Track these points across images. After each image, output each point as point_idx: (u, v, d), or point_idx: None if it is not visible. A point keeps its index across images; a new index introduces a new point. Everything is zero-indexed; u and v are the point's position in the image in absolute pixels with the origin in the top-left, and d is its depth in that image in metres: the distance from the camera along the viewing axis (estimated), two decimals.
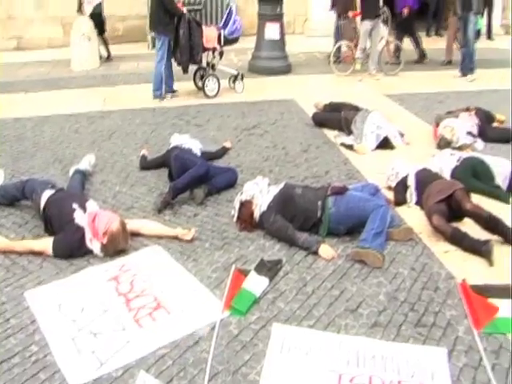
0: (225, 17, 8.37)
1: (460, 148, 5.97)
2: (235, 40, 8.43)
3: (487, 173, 5.13)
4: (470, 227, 4.23)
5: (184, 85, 8.49)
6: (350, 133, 6.28)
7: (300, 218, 4.18)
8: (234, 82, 8.56)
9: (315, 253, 3.93)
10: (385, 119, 6.39)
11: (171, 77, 8.21)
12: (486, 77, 9.98)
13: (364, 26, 9.44)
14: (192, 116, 7.23)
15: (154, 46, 11.71)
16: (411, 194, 4.78)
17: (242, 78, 8.54)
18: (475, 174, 5.10)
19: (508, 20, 15.68)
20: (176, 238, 4.13)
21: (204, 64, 8.30)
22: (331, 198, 4.19)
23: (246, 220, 4.29)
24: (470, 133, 6.26)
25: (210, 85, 8.18)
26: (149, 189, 5.05)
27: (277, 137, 6.46)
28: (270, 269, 3.75)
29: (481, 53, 12.27)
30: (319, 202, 4.17)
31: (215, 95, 8.19)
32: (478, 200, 4.58)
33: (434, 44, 11.37)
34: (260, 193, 4.34)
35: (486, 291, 3.55)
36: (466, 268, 3.85)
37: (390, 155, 5.80)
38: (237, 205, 4.36)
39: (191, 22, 7.82)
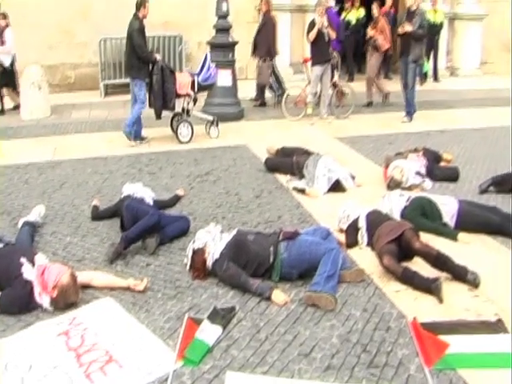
0: (201, 63, 8.52)
1: (409, 188, 6.15)
2: (209, 86, 8.64)
3: (435, 211, 5.27)
4: (420, 266, 4.32)
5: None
6: (302, 177, 6.37)
7: (253, 265, 4.20)
8: (210, 127, 8.64)
9: (268, 299, 3.94)
10: (336, 162, 6.51)
11: (140, 123, 8.28)
12: (434, 118, 10.35)
13: (315, 71, 9.68)
14: (145, 164, 7.22)
15: (106, 94, 11.85)
16: (362, 236, 4.86)
17: (217, 124, 8.63)
18: (424, 213, 5.24)
19: (453, 62, 16.37)
20: (128, 288, 4.08)
21: (180, 110, 8.41)
22: (283, 243, 4.24)
23: (199, 268, 4.28)
24: (418, 173, 6.44)
25: (184, 131, 8.29)
26: (100, 239, 4.99)
27: (230, 183, 6.50)
28: (223, 317, 3.73)
29: (428, 94, 12.83)
30: (271, 248, 4.21)
31: (189, 141, 8.27)
32: (427, 238, 4.69)
33: None
34: (212, 240, 4.35)
35: (436, 328, 3.63)
36: (416, 306, 3.92)
37: (341, 198, 5.88)
38: (189, 253, 4.35)
39: (164, 69, 7.98)
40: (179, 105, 8.37)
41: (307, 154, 6.69)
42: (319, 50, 9.63)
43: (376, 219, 4.88)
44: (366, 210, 5.05)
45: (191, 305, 3.93)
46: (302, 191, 6.11)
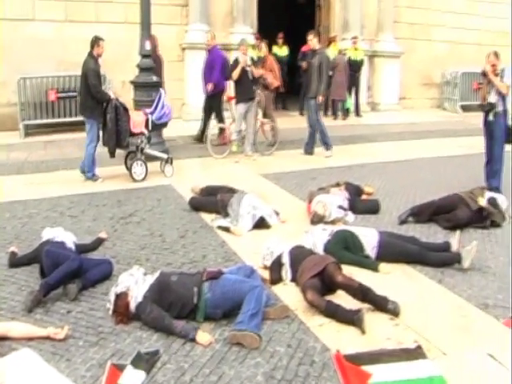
0: (155, 102, 8.54)
1: (332, 222, 6.28)
2: (164, 125, 8.68)
3: (357, 244, 5.41)
4: (343, 298, 4.40)
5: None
6: (226, 215, 6.38)
7: (177, 306, 4.17)
8: (164, 166, 8.60)
9: (193, 340, 3.91)
10: (260, 199, 6.58)
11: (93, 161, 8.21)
12: (355, 152, 10.69)
13: (239, 109, 9.82)
14: (66, 207, 6.99)
15: (26, 134, 11.56)
16: (286, 272, 4.91)
17: (171, 162, 8.61)
18: (346, 246, 5.36)
19: (373, 98, 17.03)
20: (48, 337, 3.94)
21: (134, 148, 8.39)
22: (207, 283, 4.24)
23: (122, 312, 4.20)
24: (341, 207, 6.60)
25: (138, 169, 8.23)
26: (18, 287, 4.78)
27: (154, 224, 6.41)
28: (147, 361, 3.68)
29: (350, 129, 13.29)
30: (195, 288, 4.20)
31: (143, 179, 8.22)
32: (350, 271, 4.81)
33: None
34: (135, 283, 4.29)
35: (358, 359, 3.72)
36: (340, 339, 4.00)
37: (266, 234, 5.94)
38: (112, 297, 4.26)
39: (118, 107, 7.95)
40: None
41: (232, 191, 6.73)
42: (243, 88, 9.79)
43: (299, 254, 4.95)
44: (290, 245, 5.12)
45: (114, 351, 3.84)
46: (227, 229, 6.11)
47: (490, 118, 7.70)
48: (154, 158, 8.65)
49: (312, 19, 17.22)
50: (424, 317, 4.34)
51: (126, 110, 8.12)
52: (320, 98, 9.83)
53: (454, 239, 5.55)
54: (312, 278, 4.51)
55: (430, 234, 6.21)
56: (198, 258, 5.43)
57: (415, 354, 3.81)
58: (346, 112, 15.29)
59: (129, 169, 8.33)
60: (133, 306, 4.19)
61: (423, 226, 6.42)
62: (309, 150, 10.33)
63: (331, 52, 15.07)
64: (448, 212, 6.49)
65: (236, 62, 9.87)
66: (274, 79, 11.07)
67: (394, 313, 4.32)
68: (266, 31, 15.30)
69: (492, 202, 6.61)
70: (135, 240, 5.91)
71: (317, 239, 5.44)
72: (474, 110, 10.34)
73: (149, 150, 8.59)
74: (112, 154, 8.15)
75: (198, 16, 13.97)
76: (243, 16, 14.53)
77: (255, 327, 3.95)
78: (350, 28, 16.17)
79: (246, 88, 9.82)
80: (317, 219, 6.29)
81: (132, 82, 9.83)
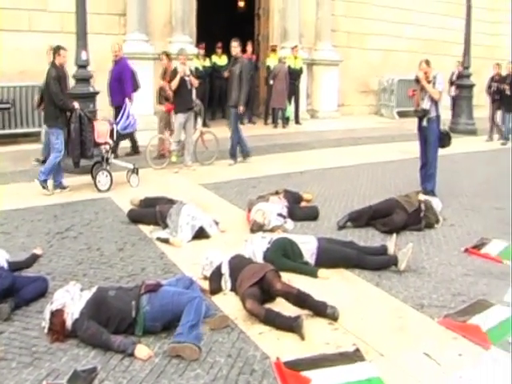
0: (121, 112, 8.49)
1: (272, 230, 6.32)
2: (129, 135, 8.73)
3: (296, 251, 5.47)
4: (283, 306, 4.44)
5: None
6: (166, 226, 6.31)
7: (115, 321, 4.09)
8: (130, 176, 8.52)
9: (132, 354, 3.84)
10: (199, 209, 6.56)
11: (61, 172, 8.14)
12: (294, 159, 10.82)
13: (178, 119, 9.74)
14: None
15: None
16: (226, 282, 4.90)
17: (137, 172, 8.54)
18: (285, 254, 5.40)
19: (313, 105, 17.29)
20: None
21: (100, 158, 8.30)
22: (145, 296, 4.18)
23: (58, 330, 4.07)
24: (280, 214, 6.66)
25: (102, 179, 8.12)
26: None
27: (91, 238, 6.26)
28: (84, 379, 3.59)
29: (290, 137, 13.43)
30: (133, 302, 4.14)
31: (108, 189, 8.11)
32: (290, 278, 4.85)
33: (247, 131, 12.00)
34: (72, 300, 4.18)
35: (298, 365, 3.74)
36: (280, 346, 4.02)
37: (206, 245, 5.93)
38: (47, 315, 4.14)
39: (82, 117, 7.90)
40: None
41: (171, 202, 6.67)
42: (182, 98, 9.73)
43: (238, 264, 4.95)
44: (229, 255, 5.12)
45: (49, 370, 3.72)
46: (166, 241, 6.04)
47: (424, 123, 7.96)
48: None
49: (252, 28, 17.37)
50: (362, 320, 4.42)
51: (90, 119, 8.08)
52: (241, 109, 9.90)
53: (391, 242, 5.69)
54: (251, 287, 4.53)
55: (368, 237, 6.36)
56: (136, 270, 5.35)
57: (354, 356, 3.87)
58: (286, 120, 15.44)
59: (94, 179, 8.24)
60: (69, 323, 4.08)
61: (361, 231, 6.56)
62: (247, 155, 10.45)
63: (272, 61, 15.28)
64: (385, 216, 6.65)
65: (175, 71, 9.81)
66: None
67: (333, 317, 4.38)
68: (207, 40, 15.35)
69: (427, 204, 6.82)
70: (72, 255, 5.75)
71: (256, 247, 5.47)
72: (410, 116, 10.64)
73: (114, 160, 8.57)
74: (76, 165, 8.11)
75: (136, 25, 13.86)
76: (182, 25, 14.49)
77: (195, 338, 3.93)
78: (289, 37, 16.38)
79: (185, 98, 9.77)
80: (256, 227, 6.31)
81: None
